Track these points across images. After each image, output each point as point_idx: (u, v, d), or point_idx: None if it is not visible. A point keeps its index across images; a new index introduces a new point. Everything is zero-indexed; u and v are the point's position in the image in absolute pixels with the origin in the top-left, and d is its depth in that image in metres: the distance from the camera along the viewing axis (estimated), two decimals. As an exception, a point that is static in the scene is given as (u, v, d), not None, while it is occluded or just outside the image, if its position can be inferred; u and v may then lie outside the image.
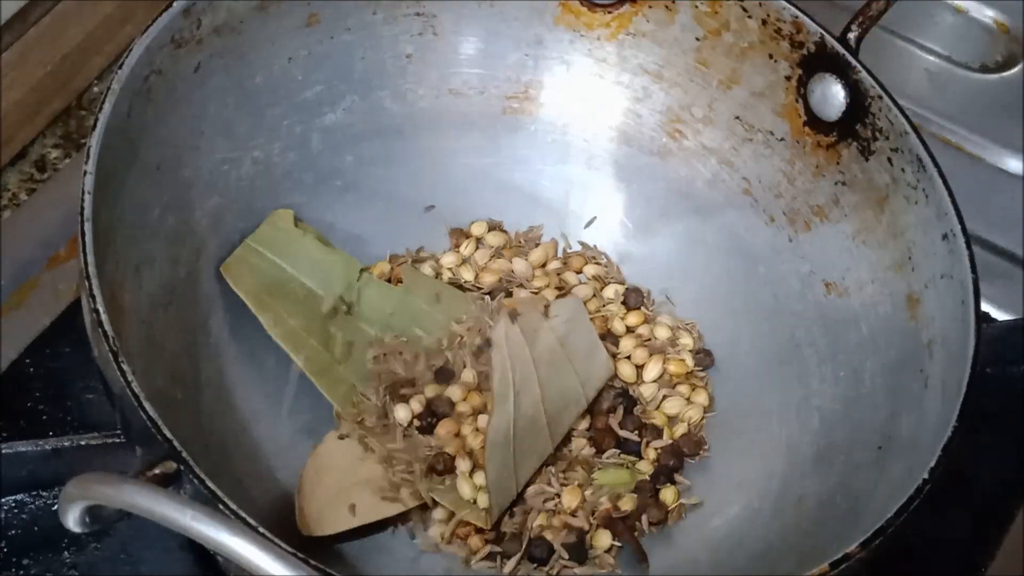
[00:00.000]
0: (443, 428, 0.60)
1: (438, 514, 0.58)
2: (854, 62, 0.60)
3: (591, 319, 0.63)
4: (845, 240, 0.62)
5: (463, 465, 0.59)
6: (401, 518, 0.58)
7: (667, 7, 0.65)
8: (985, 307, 0.69)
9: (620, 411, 0.62)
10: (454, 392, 0.61)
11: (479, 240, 0.67)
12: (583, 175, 0.69)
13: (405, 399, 0.61)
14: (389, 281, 0.65)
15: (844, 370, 0.60)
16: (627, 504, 0.60)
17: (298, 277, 0.62)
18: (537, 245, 0.68)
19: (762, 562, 0.55)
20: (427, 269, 0.66)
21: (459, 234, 0.67)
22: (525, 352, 0.58)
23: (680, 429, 0.62)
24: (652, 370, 0.63)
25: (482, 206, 0.68)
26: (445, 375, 0.62)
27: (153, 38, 0.55)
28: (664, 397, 0.63)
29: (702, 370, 0.64)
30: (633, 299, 0.66)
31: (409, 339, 0.63)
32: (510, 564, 0.57)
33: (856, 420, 0.58)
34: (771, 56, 0.63)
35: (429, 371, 0.62)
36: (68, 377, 0.63)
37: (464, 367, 0.62)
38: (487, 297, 0.65)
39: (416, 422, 0.60)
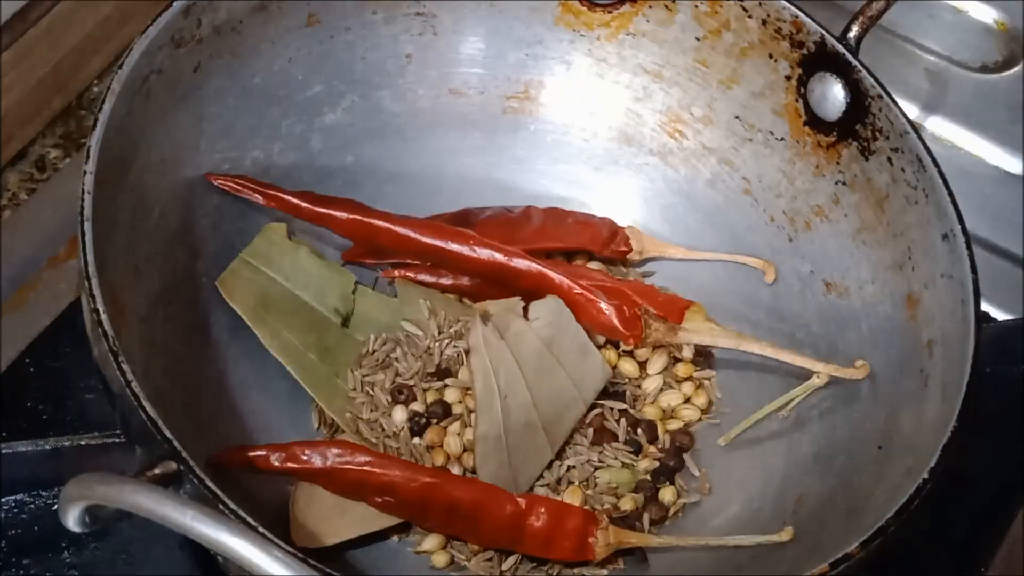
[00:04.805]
0: (434, 434, 0.59)
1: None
2: (854, 62, 0.60)
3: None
4: (845, 240, 0.62)
5: (456, 470, 0.58)
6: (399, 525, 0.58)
7: (667, 7, 0.65)
8: (985, 307, 0.69)
9: (617, 410, 0.62)
10: (451, 394, 0.61)
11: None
12: (583, 175, 0.69)
13: (403, 404, 0.60)
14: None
15: (844, 370, 0.60)
16: (627, 504, 0.59)
17: (293, 290, 0.62)
18: (537, 245, 0.67)
19: (762, 562, 0.55)
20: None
21: (459, 234, 0.67)
22: (507, 355, 0.58)
23: (673, 424, 0.62)
24: (656, 363, 0.63)
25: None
26: (441, 378, 0.61)
27: (153, 38, 0.55)
28: (661, 391, 0.63)
29: (703, 370, 0.64)
30: (633, 299, 0.66)
31: (404, 342, 0.62)
32: (509, 563, 0.57)
33: (856, 420, 0.58)
34: (771, 56, 0.63)
35: (424, 375, 0.61)
36: (68, 377, 0.63)
37: (459, 367, 0.61)
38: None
39: (413, 427, 0.60)
